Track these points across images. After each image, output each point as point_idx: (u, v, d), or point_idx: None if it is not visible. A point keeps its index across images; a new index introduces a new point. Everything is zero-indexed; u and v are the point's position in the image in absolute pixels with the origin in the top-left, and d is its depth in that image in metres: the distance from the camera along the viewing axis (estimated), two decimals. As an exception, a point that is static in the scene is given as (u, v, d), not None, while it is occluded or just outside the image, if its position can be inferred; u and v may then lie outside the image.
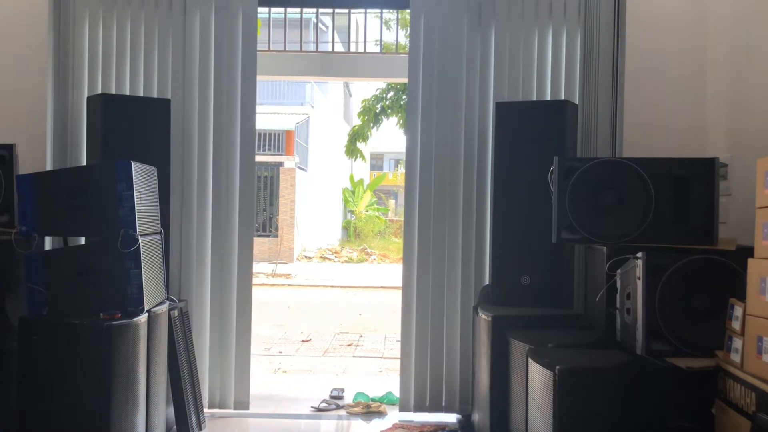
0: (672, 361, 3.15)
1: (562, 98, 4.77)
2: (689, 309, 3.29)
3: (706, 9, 4.57)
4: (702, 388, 3.03)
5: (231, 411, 4.93)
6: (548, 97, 4.82)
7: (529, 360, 3.44)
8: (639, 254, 3.34)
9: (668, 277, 3.28)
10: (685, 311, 3.28)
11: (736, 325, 2.94)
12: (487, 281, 4.79)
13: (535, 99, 4.82)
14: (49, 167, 4.69)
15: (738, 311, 2.94)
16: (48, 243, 4.43)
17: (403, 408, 4.94)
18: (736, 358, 2.89)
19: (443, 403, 4.92)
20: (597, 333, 3.84)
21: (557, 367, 3.13)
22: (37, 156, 4.61)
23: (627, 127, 4.64)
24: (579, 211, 3.72)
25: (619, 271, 3.56)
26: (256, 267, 5.01)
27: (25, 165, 4.03)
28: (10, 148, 3.87)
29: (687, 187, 3.61)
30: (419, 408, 4.92)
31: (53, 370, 3.55)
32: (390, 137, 24.41)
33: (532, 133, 4.45)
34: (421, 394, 4.91)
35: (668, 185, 3.64)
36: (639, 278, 3.33)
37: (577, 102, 4.74)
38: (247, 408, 4.94)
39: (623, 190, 3.69)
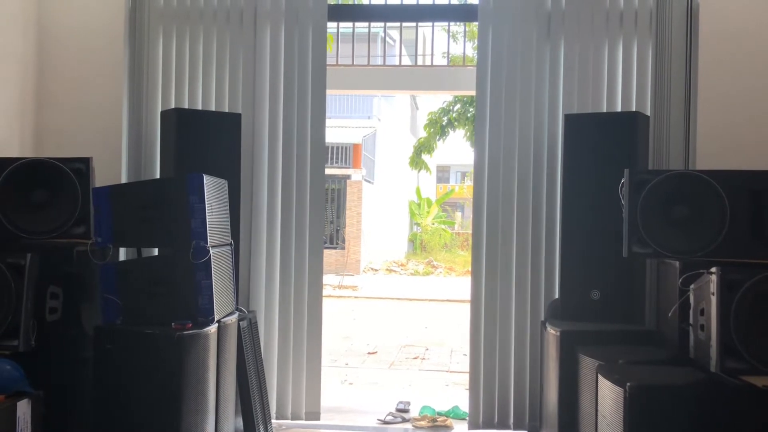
0: (747, 380, 3.06)
1: (633, 110, 4.69)
2: (766, 326, 3.19)
3: (783, 18, 4.46)
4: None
5: (302, 422, 4.95)
6: (619, 109, 4.75)
7: (599, 376, 3.39)
8: (713, 269, 3.25)
9: (744, 292, 3.18)
10: (762, 328, 3.18)
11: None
12: (556, 295, 4.72)
13: (605, 111, 4.75)
14: (124, 180, 4.81)
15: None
16: (122, 254, 4.55)
17: (473, 425, 4.87)
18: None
19: (524, 420, 4.81)
20: (669, 350, 3.76)
21: (628, 383, 3.07)
22: (113, 169, 4.74)
23: (700, 139, 4.53)
24: (650, 224, 3.66)
25: (692, 286, 3.47)
26: (324, 279, 5.04)
27: (101, 178, 4.13)
28: (86, 161, 3.96)
29: (763, 201, 3.51)
30: (488, 425, 4.84)
31: (126, 378, 3.62)
32: (457, 150, 24.32)
33: (602, 145, 4.38)
34: (490, 410, 4.84)
35: (744, 198, 3.56)
36: (713, 294, 3.24)
37: (648, 114, 4.65)
38: (318, 419, 4.96)
39: (697, 204, 3.61)
